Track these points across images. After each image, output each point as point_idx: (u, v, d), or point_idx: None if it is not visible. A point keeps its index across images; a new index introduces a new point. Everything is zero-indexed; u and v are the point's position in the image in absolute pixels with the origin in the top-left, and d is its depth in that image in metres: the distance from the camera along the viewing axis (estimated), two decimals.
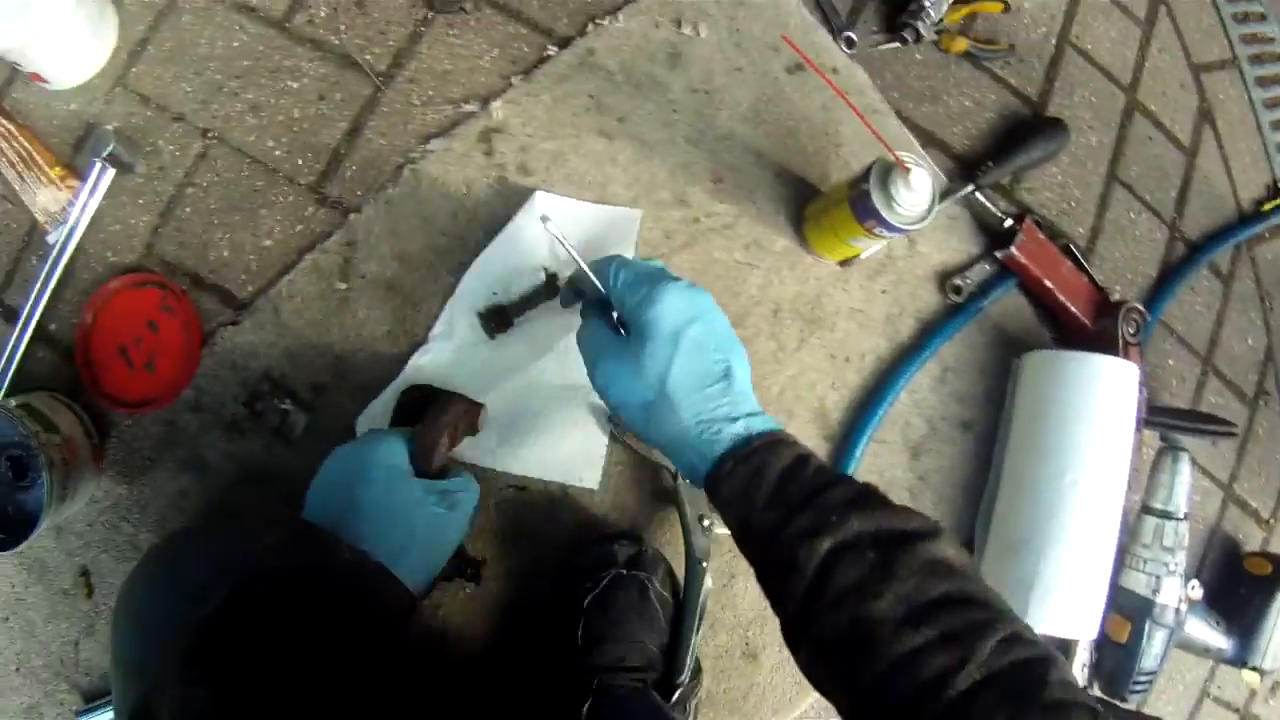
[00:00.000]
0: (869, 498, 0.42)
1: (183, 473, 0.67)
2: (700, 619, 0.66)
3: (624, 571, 0.64)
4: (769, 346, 0.73)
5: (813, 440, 0.74)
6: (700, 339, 0.47)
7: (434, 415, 0.55)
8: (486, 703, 0.66)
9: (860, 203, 0.63)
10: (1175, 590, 0.76)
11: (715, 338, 0.47)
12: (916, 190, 0.61)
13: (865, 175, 0.62)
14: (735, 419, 0.46)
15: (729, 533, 0.47)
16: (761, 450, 0.44)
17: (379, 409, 0.65)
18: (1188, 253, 0.87)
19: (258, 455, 0.67)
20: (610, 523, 0.69)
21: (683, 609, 0.67)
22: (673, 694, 0.64)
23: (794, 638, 0.42)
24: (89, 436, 0.66)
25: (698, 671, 0.67)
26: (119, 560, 0.67)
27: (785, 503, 0.42)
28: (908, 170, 0.60)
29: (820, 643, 0.39)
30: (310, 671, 0.40)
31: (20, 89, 0.69)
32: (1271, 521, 0.88)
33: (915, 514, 0.41)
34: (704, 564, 0.63)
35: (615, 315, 0.50)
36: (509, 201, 0.70)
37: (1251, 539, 0.88)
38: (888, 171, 0.62)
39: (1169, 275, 0.85)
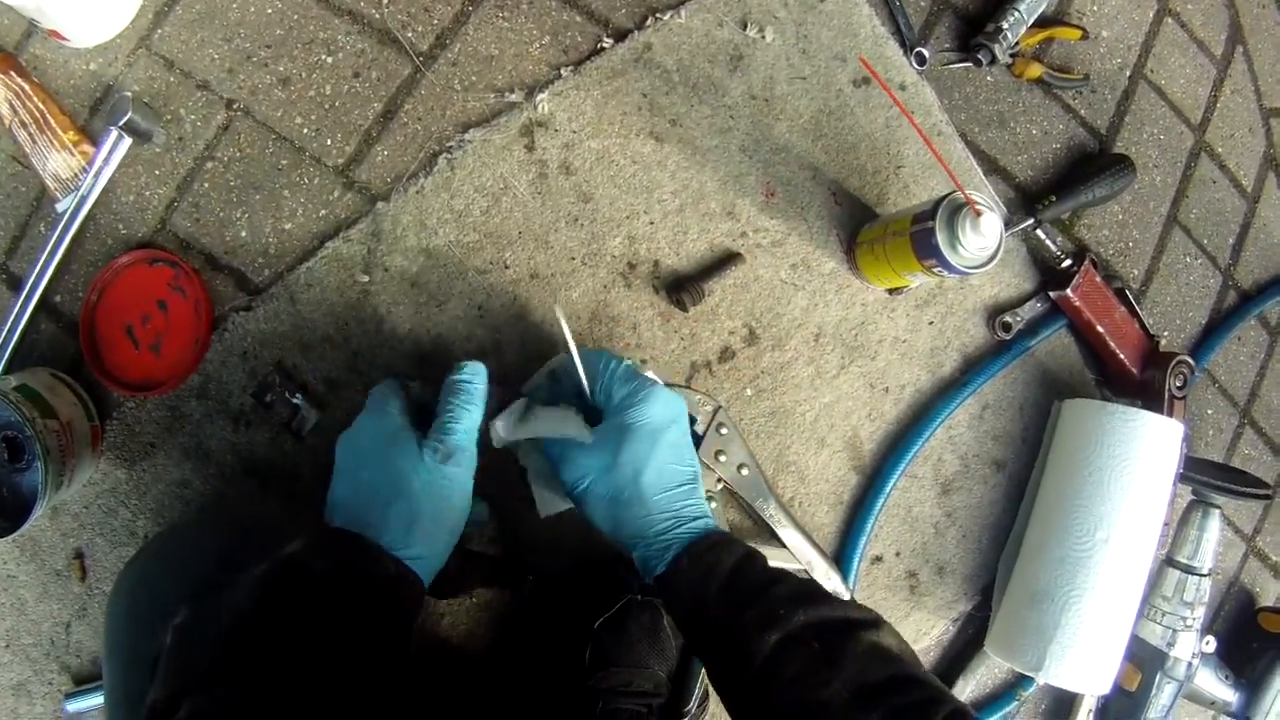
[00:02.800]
0: (813, 594, 0.45)
1: (184, 461, 0.64)
2: None
3: (638, 597, 0.63)
4: (807, 372, 0.70)
5: (842, 471, 0.71)
6: (676, 442, 0.50)
7: None
8: (487, 717, 0.65)
9: (922, 239, 0.60)
10: (1190, 645, 0.76)
11: (687, 443, 0.51)
12: (985, 235, 0.58)
13: (931, 211, 0.59)
14: (695, 519, 0.49)
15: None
16: (715, 548, 0.47)
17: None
18: (1238, 302, 0.84)
19: (264, 449, 0.64)
20: None
21: None
22: None
23: None
24: (89, 418, 0.62)
25: (705, 699, 0.66)
26: (114, 545, 0.64)
27: (735, 597, 0.45)
28: (979, 214, 0.57)
29: None
30: (339, 679, 0.39)
31: (38, 45, 0.64)
32: None
33: (857, 606, 0.45)
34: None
35: (584, 407, 0.52)
36: (548, 202, 0.66)
37: (1268, 592, 0.87)
38: (956, 211, 0.58)
39: (1218, 324, 0.83)
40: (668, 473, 0.49)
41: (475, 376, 0.51)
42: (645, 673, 0.62)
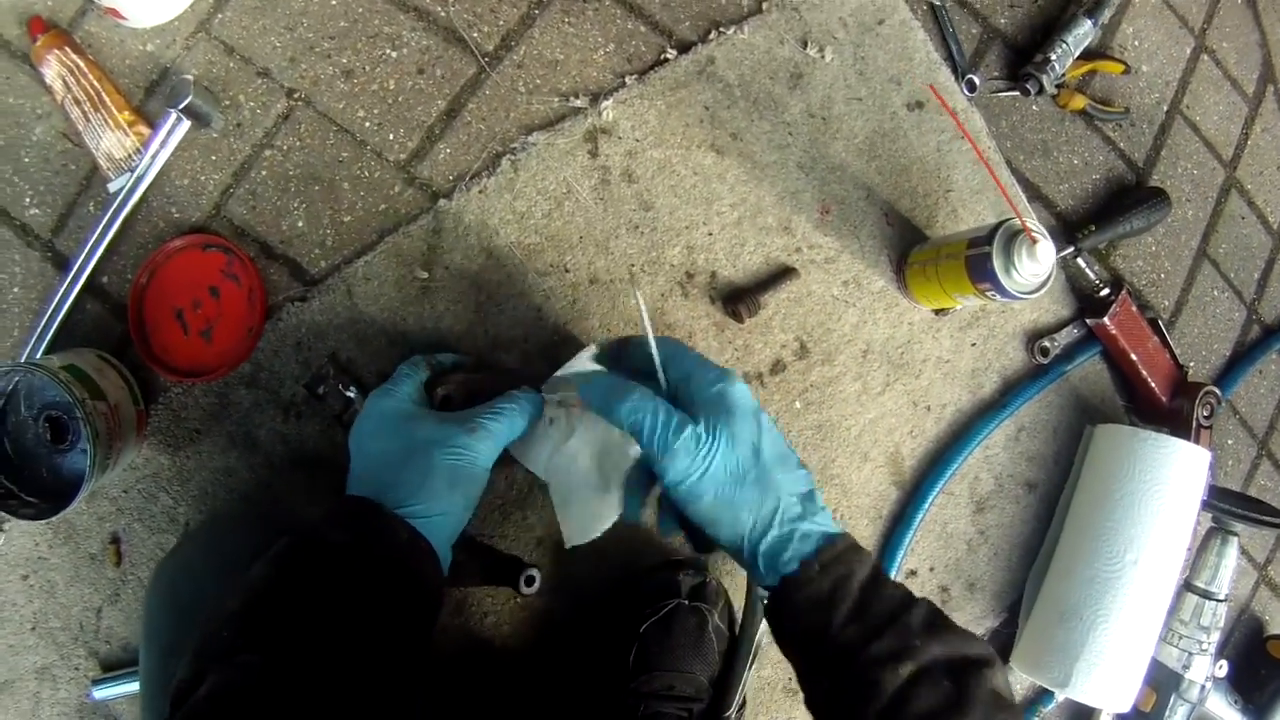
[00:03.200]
0: (944, 623, 0.42)
1: (230, 449, 0.63)
2: (755, 655, 0.65)
3: (686, 602, 0.63)
4: (854, 387, 0.71)
5: (883, 486, 0.72)
6: (772, 426, 0.46)
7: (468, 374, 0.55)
8: (527, 716, 0.65)
9: (978, 263, 0.61)
10: (1205, 668, 0.77)
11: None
12: (1040, 262, 0.59)
13: (989, 236, 0.60)
14: (821, 510, 0.45)
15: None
16: (845, 556, 0.43)
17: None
18: (1261, 335, 0.87)
19: (313, 441, 0.63)
20: (675, 548, 0.67)
21: (738, 643, 0.66)
22: None
23: None
24: (135, 402, 0.62)
25: (743, 705, 0.67)
26: (152, 531, 0.64)
27: (868, 620, 0.41)
28: (1035, 241, 0.58)
29: None
30: (359, 645, 0.39)
31: (94, 23, 0.63)
32: None
33: (977, 639, 0.42)
34: (765, 600, 0.62)
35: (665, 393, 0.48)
36: (609, 208, 0.66)
37: (1277, 620, 0.89)
38: (1013, 237, 0.60)
39: (1241, 356, 0.85)
40: (785, 454, 0.45)
41: (532, 402, 0.51)
42: (688, 677, 0.62)
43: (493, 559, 0.64)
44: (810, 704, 0.43)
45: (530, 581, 0.63)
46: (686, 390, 0.46)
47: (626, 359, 0.53)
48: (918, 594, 0.44)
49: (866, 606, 0.41)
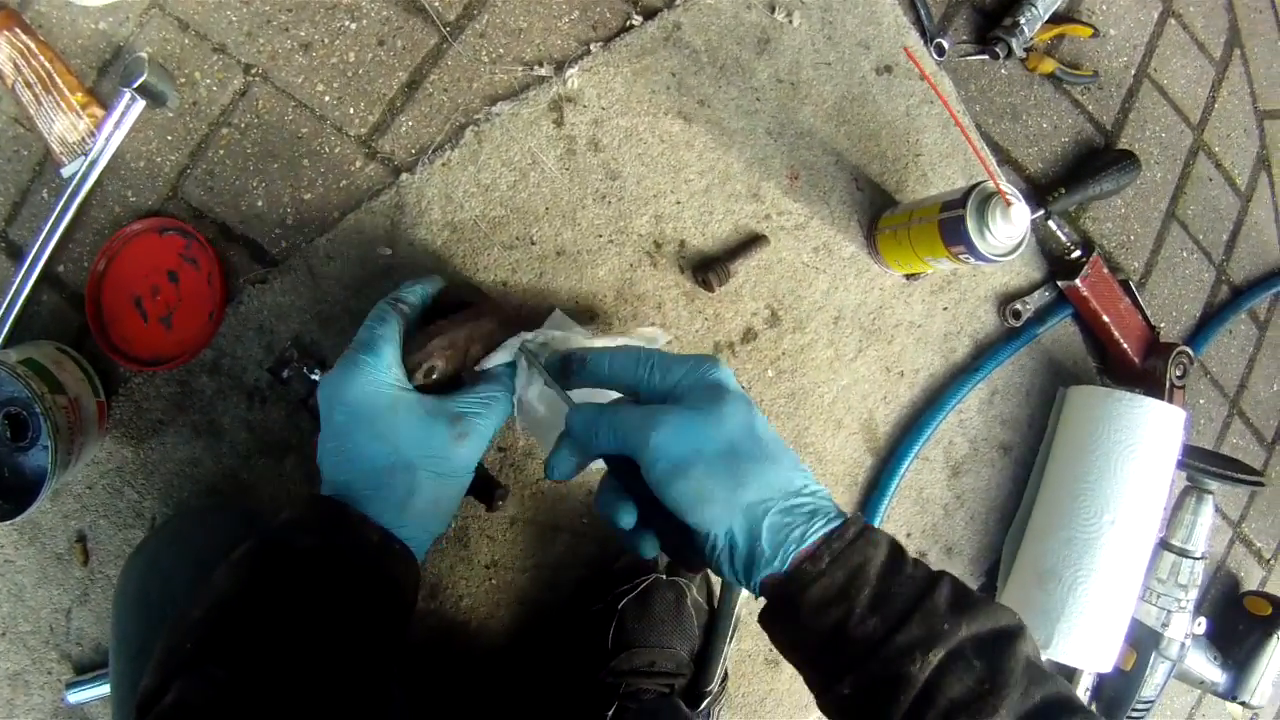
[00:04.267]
0: (969, 598, 0.38)
1: (195, 439, 0.62)
2: (734, 629, 0.65)
3: (663, 576, 0.63)
4: (826, 354, 0.71)
5: (858, 453, 0.72)
6: (760, 412, 0.41)
7: (448, 319, 0.49)
8: (506, 698, 0.64)
9: (951, 226, 0.61)
10: (1183, 626, 0.78)
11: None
12: (1014, 224, 0.59)
13: (962, 200, 0.60)
14: (821, 490, 0.40)
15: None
16: (858, 544, 0.38)
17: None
18: (1231, 296, 0.87)
19: (279, 427, 0.62)
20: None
21: (717, 616, 0.66)
22: (699, 702, 0.64)
23: None
24: (95, 394, 0.60)
25: (725, 679, 0.67)
26: (119, 528, 0.62)
27: (891, 608, 0.37)
28: (1009, 204, 0.58)
29: None
30: (329, 655, 0.38)
31: (43, 2, 0.61)
32: (1273, 562, 0.91)
33: (1002, 608, 0.39)
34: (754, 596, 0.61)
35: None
36: (575, 178, 0.65)
37: (1251, 577, 0.91)
38: (986, 200, 0.59)
39: (1211, 317, 0.86)
40: (776, 436, 0.41)
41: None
42: (668, 653, 0.62)
43: (478, 471, 0.61)
44: (826, 708, 0.39)
45: (503, 496, 0.58)
46: (668, 381, 0.42)
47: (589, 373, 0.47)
48: None
49: (886, 594, 0.37)
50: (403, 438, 0.43)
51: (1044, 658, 0.77)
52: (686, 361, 0.42)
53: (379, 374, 0.45)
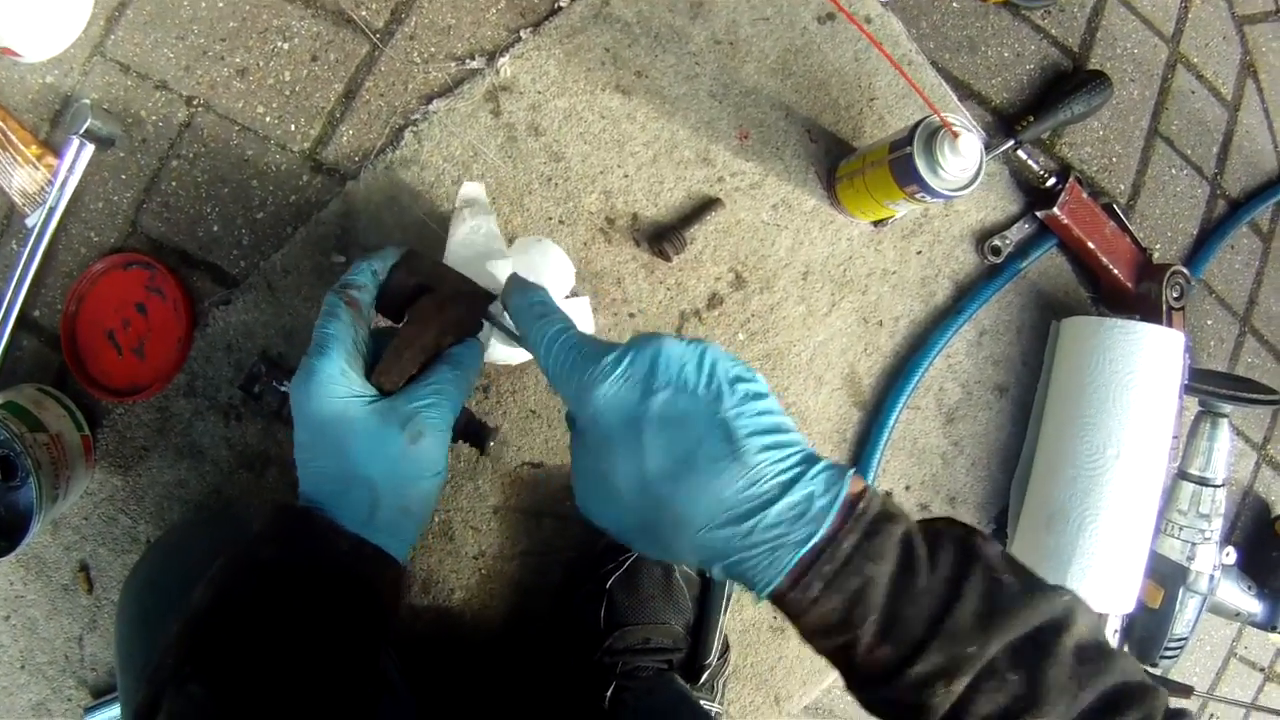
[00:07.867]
0: (998, 595, 0.32)
1: (179, 461, 0.63)
2: (729, 598, 0.64)
3: None
4: (798, 311, 0.69)
5: (843, 408, 0.70)
6: (675, 403, 0.34)
7: (412, 321, 0.46)
8: (503, 688, 0.64)
9: (901, 166, 0.59)
10: (1210, 557, 0.75)
11: (709, 379, 0.34)
12: (964, 155, 0.57)
13: (908, 138, 0.58)
14: (794, 482, 0.32)
15: None
16: (857, 559, 0.32)
17: None
18: (1228, 210, 0.83)
19: (256, 440, 0.63)
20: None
21: (710, 589, 0.65)
22: (699, 675, 0.63)
23: None
24: (78, 429, 0.62)
25: (726, 650, 0.66)
26: (118, 553, 0.64)
27: (902, 633, 0.32)
28: (956, 135, 0.56)
29: None
30: (308, 664, 0.37)
31: None
32: None
33: (1047, 596, 0.33)
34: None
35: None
36: (519, 165, 0.65)
37: None
38: (933, 134, 0.57)
39: (1210, 234, 0.82)
40: (677, 454, 0.33)
41: (474, 357, 0.46)
42: (662, 628, 0.61)
43: (465, 418, 0.58)
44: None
45: (494, 437, 0.57)
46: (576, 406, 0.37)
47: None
48: None
49: (897, 617, 0.32)
50: (356, 452, 0.41)
51: None
52: (575, 374, 0.37)
53: (329, 385, 0.42)
